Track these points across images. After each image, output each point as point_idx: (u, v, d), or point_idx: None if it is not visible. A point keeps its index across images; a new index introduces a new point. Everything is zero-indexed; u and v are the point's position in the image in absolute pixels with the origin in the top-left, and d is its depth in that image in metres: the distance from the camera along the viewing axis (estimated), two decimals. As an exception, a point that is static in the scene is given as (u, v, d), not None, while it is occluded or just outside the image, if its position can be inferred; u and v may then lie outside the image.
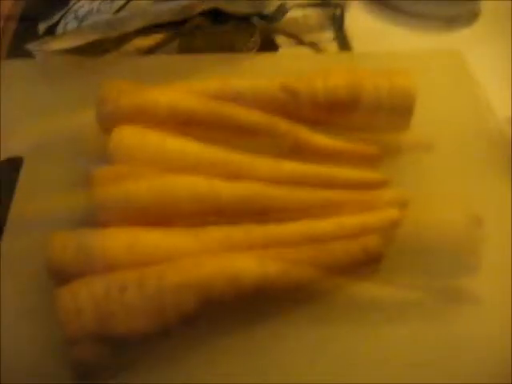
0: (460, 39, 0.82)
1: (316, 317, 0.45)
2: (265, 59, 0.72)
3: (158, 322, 0.39)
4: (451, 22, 0.84)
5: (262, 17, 0.70)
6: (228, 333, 0.43)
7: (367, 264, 0.46)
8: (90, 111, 0.54)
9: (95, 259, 0.41)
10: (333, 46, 0.80)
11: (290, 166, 0.50)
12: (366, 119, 0.54)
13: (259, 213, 0.47)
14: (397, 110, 0.53)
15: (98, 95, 0.52)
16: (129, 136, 0.49)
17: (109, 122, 0.52)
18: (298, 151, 0.53)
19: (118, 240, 0.42)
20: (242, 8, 0.69)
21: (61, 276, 0.41)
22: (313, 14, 0.85)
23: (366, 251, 0.45)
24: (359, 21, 0.85)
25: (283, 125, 0.53)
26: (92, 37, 0.64)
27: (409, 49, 0.76)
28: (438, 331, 0.44)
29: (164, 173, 0.48)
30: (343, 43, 0.79)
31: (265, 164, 0.50)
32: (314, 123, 0.55)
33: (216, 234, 0.45)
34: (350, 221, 0.47)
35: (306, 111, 0.54)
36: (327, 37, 0.82)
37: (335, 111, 0.54)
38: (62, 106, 0.60)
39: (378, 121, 0.54)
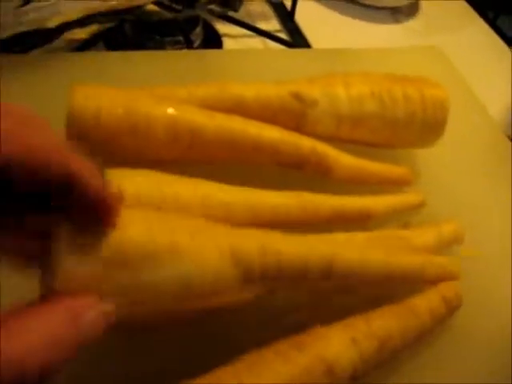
0: (408, 31, 0.79)
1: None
2: (218, 55, 0.60)
3: None
4: (396, 12, 0.80)
5: (223, 2, 0.58)
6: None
7: (447, 316, 0.38)
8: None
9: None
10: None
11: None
12: (394, 134, 0.46)
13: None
14: (429, 124, 0.46)
15: (68, 107, 0.37)
16: (137, 186, 0.35)
17: (84, 143, 0.38)
18: (323, 174, 0.44)
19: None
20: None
21: None
22: (254, 2, 0.75)
23: (446, 301, 0.38)
24: (303, 10, 0.76)
25: (306, 142, 0.43)
26: (15, 29, 0.47)
27: (362, 41, 0.71)
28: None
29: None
30: (296, 35, 0.70)
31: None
32: (331, 140, 0.46)
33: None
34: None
35: (325, 125, 0.45)
36: (273, 27, 0.73)
37: (360, 125, 0.45)
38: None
39: (407, 136, 0.46)
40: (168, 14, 0.56)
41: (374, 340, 0.33)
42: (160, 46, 0.62)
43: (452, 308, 0.38)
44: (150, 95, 0.41)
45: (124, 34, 0.63)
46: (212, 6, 0.58)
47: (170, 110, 0.39)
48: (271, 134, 0.42)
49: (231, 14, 0.66)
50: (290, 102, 0.44)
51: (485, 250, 0.46)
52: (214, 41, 0.68)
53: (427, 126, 0.45)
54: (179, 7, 0.55)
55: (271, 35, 0.67)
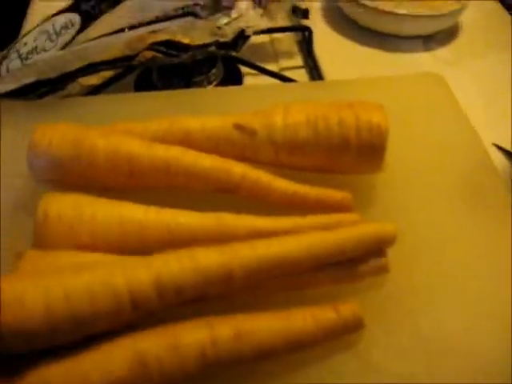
0: (437, 59, 0.77)
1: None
2: (226, 93, 0.65)
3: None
4: (428, 41, 0.79)
5: (221, 45, 0.64)
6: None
7: (343, 333, 0.39)
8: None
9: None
10: (301, 74, 0.74)
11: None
12: (331, 160, 0.47)
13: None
14: (366, 150, 0.46)
15: (29, 142, 0.46)
16: (60, 207, 0.42)
17: (41, 173, 0.46)
18: (258, 199, 0.47)
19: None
20: (198, 38, 0.63)
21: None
22: (280, 39, 0.80)
23: (341, 317, 0.39)
24: (329, 45, 0.79)
25: (238, 168, 0.46)
26: (27, 79, 0.58)
27: (385, 72, 0.71)
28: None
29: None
30: (313, 70, 0.74)
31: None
32: (275, 166, 0.49)
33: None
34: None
35: (264, 153, 0.48)
36: (296, 63, 0.77)
37: (296, 152, 0.47)
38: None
39: (345, 162, 0.47)
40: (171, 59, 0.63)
41: (230, 329, 0.36)
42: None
43: (349, 326, 0.39)
44: (98, 130, 0.47)
45: (150, 80, 0.72)
46: (212, 48, 0.64)
47: (110, 141, 0.46)
48: (203, 161, 0.46)
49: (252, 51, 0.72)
50: (232, 133, 0.48)
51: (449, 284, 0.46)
52: (234, 80, 0.74)
53: (363, 151, 0.46)
54: (174, 52, 0.61)
55: (278, 75, 0.70)
